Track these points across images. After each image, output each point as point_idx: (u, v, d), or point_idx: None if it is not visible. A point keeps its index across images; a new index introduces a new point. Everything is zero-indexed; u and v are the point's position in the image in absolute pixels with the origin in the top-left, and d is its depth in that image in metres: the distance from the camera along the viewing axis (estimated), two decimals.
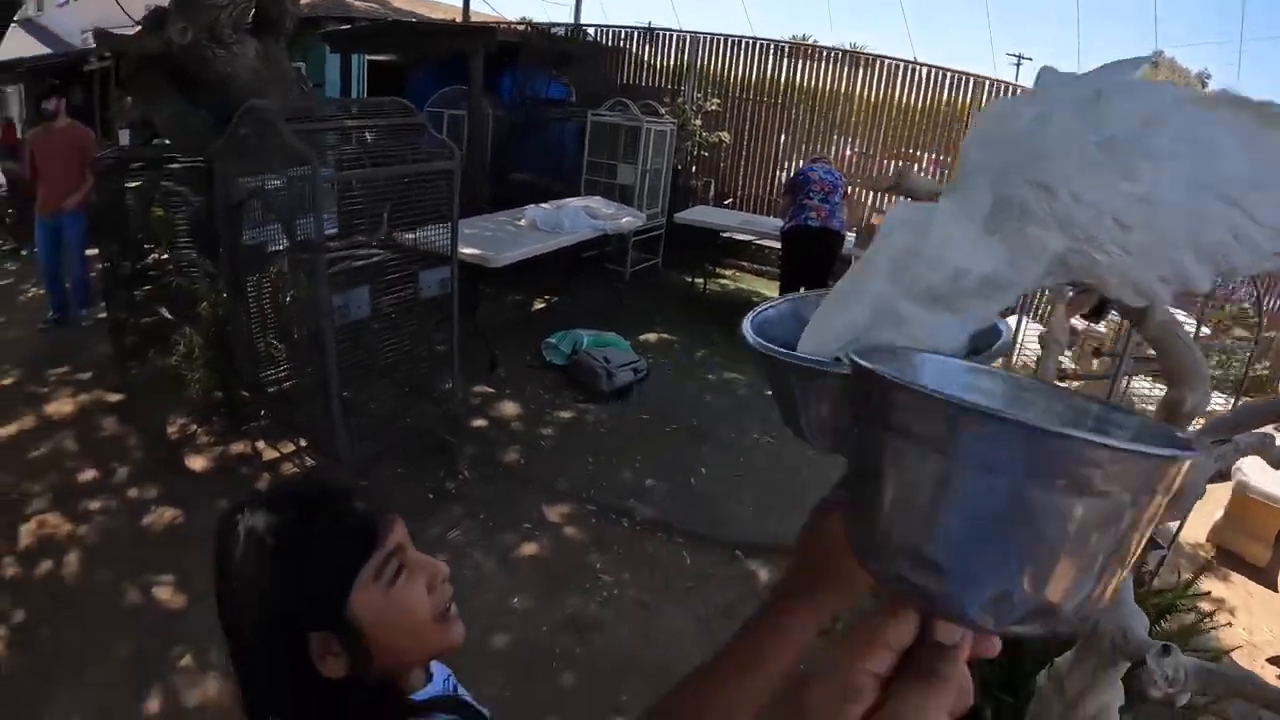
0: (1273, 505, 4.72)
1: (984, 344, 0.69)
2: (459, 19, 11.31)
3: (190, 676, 3.05)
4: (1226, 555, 4.83)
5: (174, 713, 2.91)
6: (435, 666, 1.04)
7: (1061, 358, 4.87)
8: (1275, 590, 4.57)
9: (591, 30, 10.86)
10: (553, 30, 10.80)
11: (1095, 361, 5.05)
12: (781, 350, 0.70)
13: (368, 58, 10.64)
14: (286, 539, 0.86)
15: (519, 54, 9.20)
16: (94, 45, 9.32)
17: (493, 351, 5.93)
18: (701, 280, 8.78)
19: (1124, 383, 4.13)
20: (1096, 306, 1.27)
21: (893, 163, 9.55)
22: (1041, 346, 1.58)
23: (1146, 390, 5.02)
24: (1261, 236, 0.63)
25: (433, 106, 8.92)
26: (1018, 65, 22.25)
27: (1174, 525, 4.17)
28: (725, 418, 5.61)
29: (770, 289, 8.87)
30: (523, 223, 6.85)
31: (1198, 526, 4.94)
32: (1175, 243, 0.63)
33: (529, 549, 4.00)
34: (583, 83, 10.10)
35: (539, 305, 7.72)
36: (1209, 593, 3.75)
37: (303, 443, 4.45)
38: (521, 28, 9.97)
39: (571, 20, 11.51)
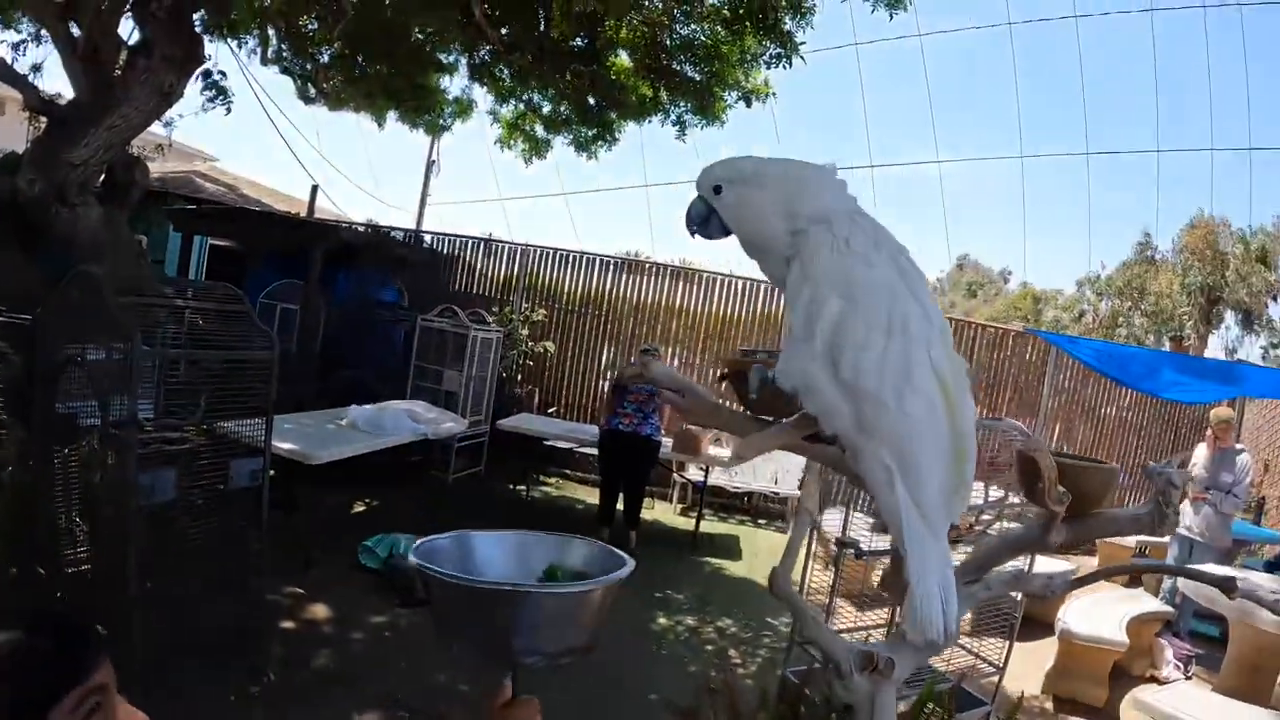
0: (1100, 647, 5.09)
1: None
2: (304, 213, 11.45)
3: None
4: (1064, 702, 5.13)
5: None
6: None
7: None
8: None
9: (429, 237, 11.20)
10: (392, 234, 11.09)
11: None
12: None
13: (210, 240, 10.53)
14: None
15: (357, 253, 9.33)
16: None
17: (307, 551, 5.64)
18: (525, 488, 8.76)
19: None
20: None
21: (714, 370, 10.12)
22: (794, 517, 1.67)
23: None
24: None
25: (268, 298, 8.85)
26: None
27: (994, 680, 4.39)
28: None
29: (593, 496, 8.89)
30: (344, 422, 6.73)
31: (1030, 680, 5.17)
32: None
33: None
34: (416, 287, 10.32)
35: (359, 508, 7.47)
36: None
37: (98, 629, 4.03)
38: (363, 229, 10.16)
39: (413, 225, 11.84)
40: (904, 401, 1.39)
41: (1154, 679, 5.77)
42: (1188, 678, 5.74)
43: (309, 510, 6.26)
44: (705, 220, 1.59)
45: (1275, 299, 23.20)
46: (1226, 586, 2.00)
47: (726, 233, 1.59)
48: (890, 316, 1.41)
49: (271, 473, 4.50)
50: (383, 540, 6.06)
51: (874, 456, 1.44)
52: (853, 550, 4.81)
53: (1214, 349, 23.43)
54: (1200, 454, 6.79)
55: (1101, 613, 5.43)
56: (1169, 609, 6.26)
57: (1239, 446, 6.74)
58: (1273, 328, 23.74)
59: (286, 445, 5.42)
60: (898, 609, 4.84)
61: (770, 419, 1.84)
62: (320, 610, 5.13)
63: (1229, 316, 23.98)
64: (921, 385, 1.41)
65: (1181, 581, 6.10)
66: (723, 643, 5.66)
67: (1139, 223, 35.45)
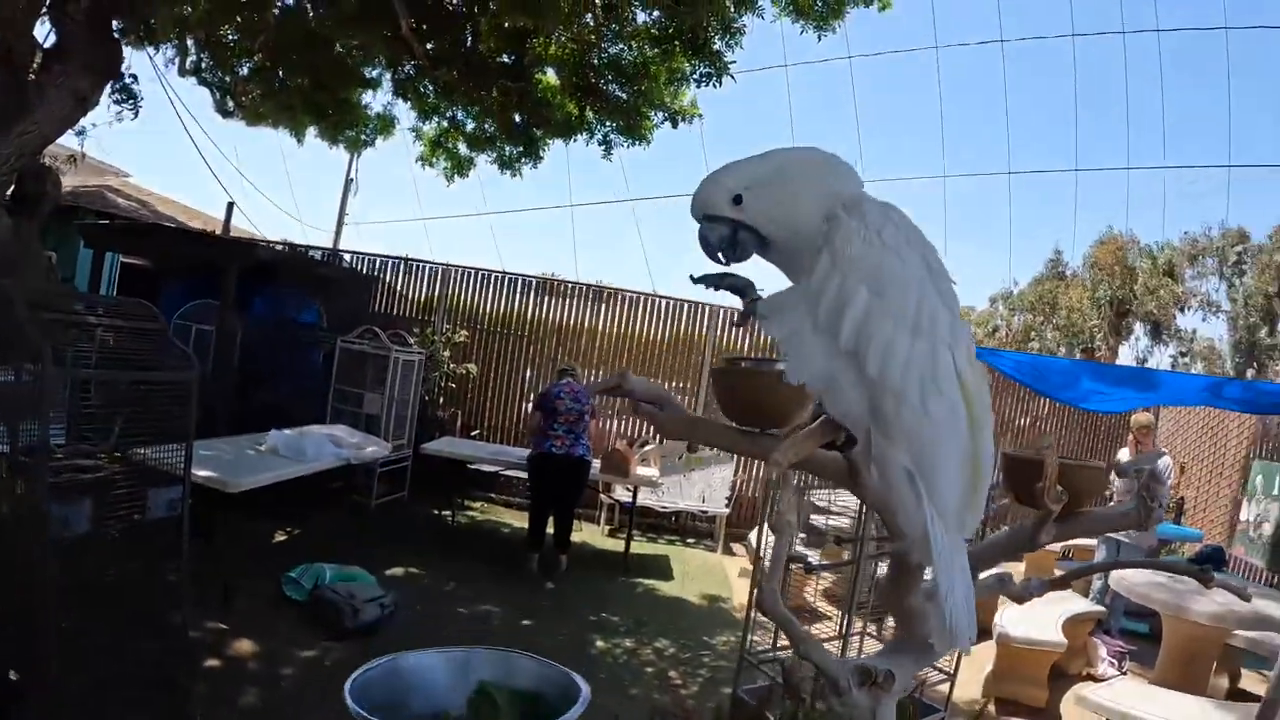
0: (1037, 649, 5.19)
1: None
2: (219, 231, 11.06)
3: None
4: (1006, 704, 5.22)
5: None
6: None
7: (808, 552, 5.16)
8: None
9: (348, 257, 10.90)
10: (310, 253, 10.78)
11: (846, 553, 5.41)
12: None
13: (122, 258, 10.08)
14: None
15: (275, 273, 9.03)
16: None
17: (228, 584, 5.37)
18: (450, 512, 8.55)
19: (872, 567, 4.39)
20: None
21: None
22: (774, 532, 1.60)
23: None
24: None
25: (182, 318, 8.50)
26: None
27: (939, 686, 4.41)
28: None
29: (519, 519, 8.82)
30: (264, 447, 6.48)
31: (972, 685, 5.21)
32: None
33: None
34: (335, 308, 10.03)
35: (280, 536, 7.17)
36: None
37: (11, 675, 3.73)
38: (280, 247, 9.86)
39: (330, 245, 11.54)
40: (928, 401, 1.34)
41: (1091, 677, 5.97)
42: (1122, 673, 5.89)
43: (229, 540, 6.00)
44: (733, 241, 1.45)
45: (1183, 310, 24.40)
46: (1203, 577, 2.03)
47: (759, 247, 1.47)
48: (919, 314, 1.35)
49: (190, 501, 4.27)
50: (307, 570, 5.83)
51: (893, 460, 1.39)
52: (802, 565, 4.77)
53: (1124, 359, 24.65)
54: (1123, 458, 7.02)
55: (1036, 615, 5.52)
56: (1100, 608, 6.48)
57: (1160, 450, 6.99)
58: (1181, 337, 24.94)
59: (204, 472, 5.17)
60: (845, 622, 4.84)
61: (755, 430, 1.77)
62: (245, 645, 4.86)
63: (1138, 328, 25.14)
64: (946, 387, 1.36)
65: (1113, 580, 6.27)
66: (662, 664, 5.57)
67: (1055, 240, 37.03)
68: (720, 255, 1.47)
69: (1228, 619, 5.27)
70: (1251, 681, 6.40)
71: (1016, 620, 5.38)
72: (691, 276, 1.51)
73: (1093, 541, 7.38)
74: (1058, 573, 6.50)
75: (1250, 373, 21.80)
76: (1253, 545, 4.22)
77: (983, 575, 2.01)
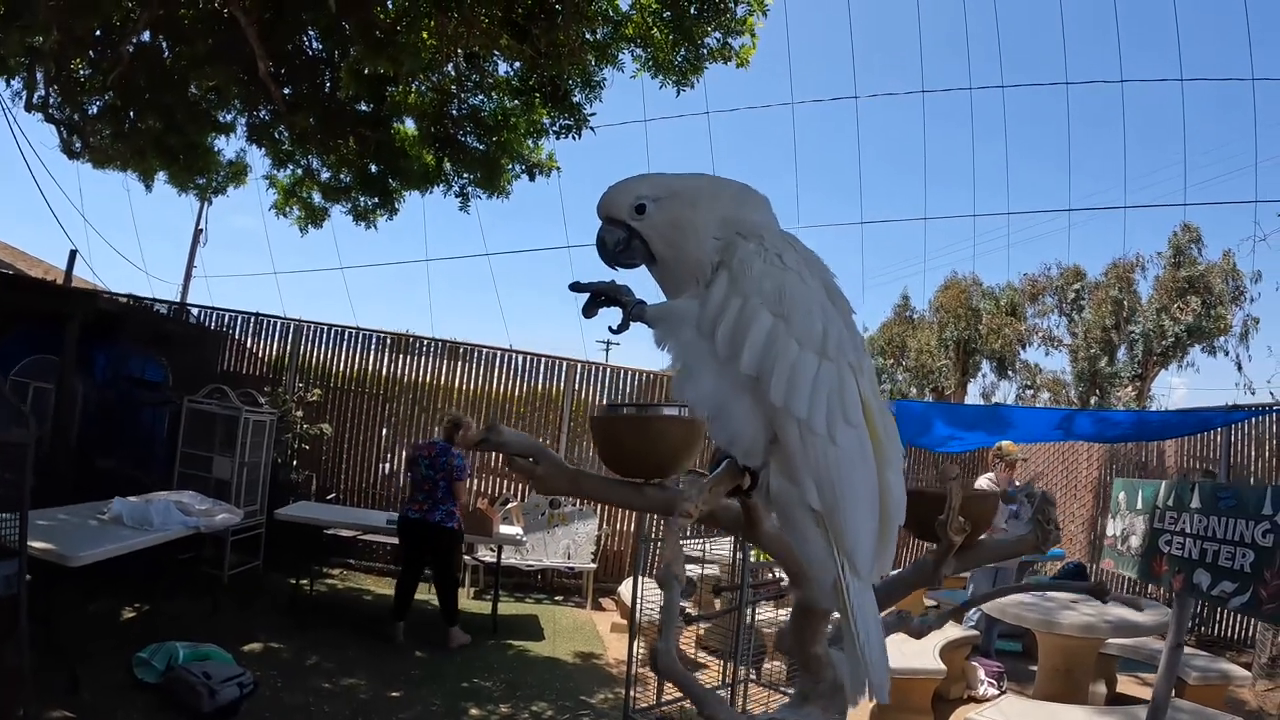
0: (918, 677, 5.36)
1: None
2: (60, 281, 10.26)
3: None
4: None
5: None
6: None
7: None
8: None
9: (196, 311, 10.30)
10: (155, 307, 10.16)
11: (717, 601, 5.44)
12: None
13: None
14: None
15: (118, 327, 8.43)
16: None
17: (73, 668, 4.90)
18: (308, 581, 8.12)
19: (749, 614, 4.44)
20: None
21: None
22: (660, 586, 1.54)
23: (771, 616, 5.53)
24: None
25: (18, 376, 7.77)
26: (607, 349, 25.24)
27: None
28: None
29: (380, 585, 8.51)
30: (107, 516, 5.98)
31: (857, 718, 5.30)
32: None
33: None
34: (181, 366, 9.39)
35: (128, 614, 6.60)
36: None
37: None
38: (124, 299, 9.24)
39: (176, 298, 10.90)
40: (836, 431, 1.27)
41: (972, 699, 6.20)
42: (1002, 693, 6.12)
43: (70, 620, 5.51)
44: (626, 246, 1.43)
45: (1025, 346, 26.09)
46: (1099, 593, 2.15)
47: (646, 258, 1.45)
48: (825, 338, 1.30)
49: (28, 577, 3.93)
50: (159, 650, 5.39)
51: (796, 501, 1.30)
52: (681, 616, 4.78)
53: (972, 396, 26.20)
54: (984, 485, 7.22)
55: (913, 645, 5.64)
56: (974, 632, 6.73)
57: (1013, 481, 7.36)
58: (1027, 370, 26.65)
59: (41, 544, 4.73)
60: (732, 671, 4.85)
61: (640, 480, 1.70)
62: None
63: (985, 365, 26.68)
64: (854, 417, 1.30)
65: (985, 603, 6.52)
66: None
67: (903, 285, 39.09)
68: (615, 260, 1.46)
69: (1098, 629, 5.61)
70: (1128, 685, 6.80)
71: (894, 651, 5.52)
72: (571, 285, 1.47)
73: (965, 573, 7.70)
74: (928, 602, 6.80)
75: (1094, 400, 23.39)
76: (1121, 558, 4.51)
77: (881, 613, 2.04)
